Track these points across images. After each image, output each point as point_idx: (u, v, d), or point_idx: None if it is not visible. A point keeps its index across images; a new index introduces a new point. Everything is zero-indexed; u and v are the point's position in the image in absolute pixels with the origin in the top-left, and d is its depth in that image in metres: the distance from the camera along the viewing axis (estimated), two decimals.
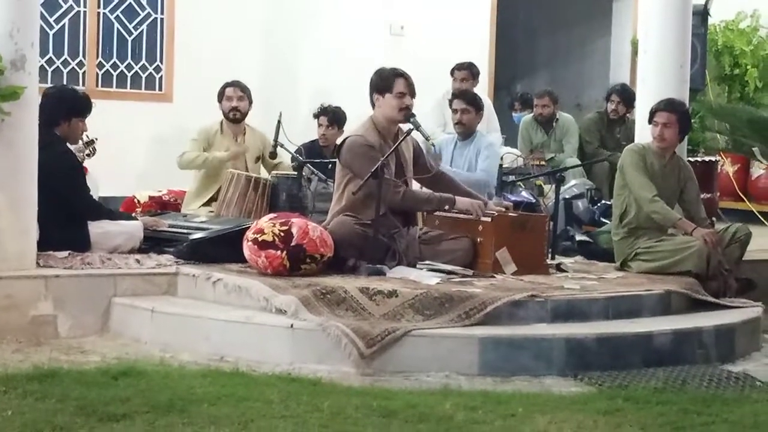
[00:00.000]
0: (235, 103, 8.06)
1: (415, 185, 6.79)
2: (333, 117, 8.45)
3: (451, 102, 8.16)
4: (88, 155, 7.30)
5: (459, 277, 5.97)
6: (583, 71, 13.24)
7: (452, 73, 9.43)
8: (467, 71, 9.40)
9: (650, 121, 6.80)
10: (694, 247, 6.41)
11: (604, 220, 8.03)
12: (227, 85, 8.14)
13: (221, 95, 8.12)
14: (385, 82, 6.38)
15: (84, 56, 9.54)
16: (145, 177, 9.01)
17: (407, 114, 6.36)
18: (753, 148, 8.67)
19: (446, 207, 6.40)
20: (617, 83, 10.50)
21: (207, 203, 7.84)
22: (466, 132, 7.92)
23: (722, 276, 6.41)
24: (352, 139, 6.34)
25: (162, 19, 9.83)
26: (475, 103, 7.93)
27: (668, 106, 6.76)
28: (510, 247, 6.22)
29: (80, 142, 7.08)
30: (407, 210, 6.48)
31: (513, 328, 5.37)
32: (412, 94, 6.40)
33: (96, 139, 7.24)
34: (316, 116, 8.55)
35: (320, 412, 4.20)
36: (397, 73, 6.41)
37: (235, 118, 8.07)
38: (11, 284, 5.69)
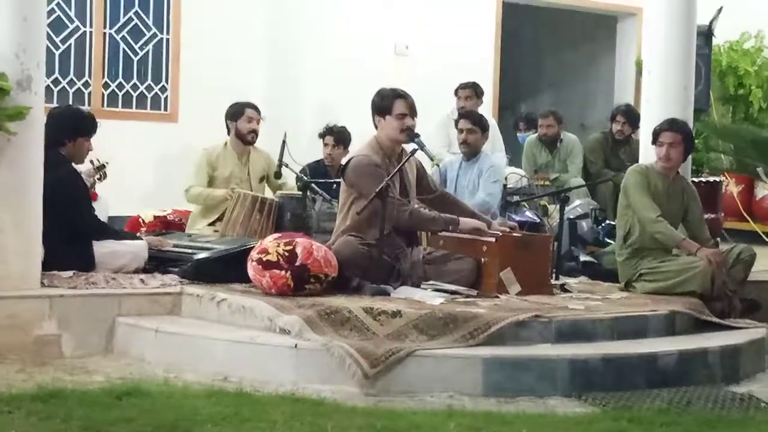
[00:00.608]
0: (255, 125, 8.04)
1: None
2: (339, 137, 8.47)
3: (456, 122, 8.18)
4: (99, 179, 7.22)
5: (463, 297, 5.96)
6: (587, 91, 13.26)
7: (456, 92, 9.46)
8: (471, 90, 9.42)
9: (654, 141, 6.81)
10: (699, 267, 6.40)
11: (608, 240, 8.04)
12: (248, 105, 8.06)
13: (239, 114, 8.01)
14: (385, 103, 6.38)
15: (90, 76, 9.57)
16: (150, 197, 9.03)
17: (409, 135, 6.36)
18: (757, 169, 8.67)
19: (450, 228, 6.40)
20: (622, 103, 10.51)
21: (212, 224, 7.83)
22: (471, 152, 7.95)
23: (727, 297, 6.40)
24: (357, 159, 6.34)
25: (168, 40, 9.86)
26: (481, 124, 7.97)
27: (673, 126, 6.77)
28: (514, 267, 6.22)
29: (91, 166, 7.05)
30: (413, 229, 6.48)
31: (517, 349, 5.36)
32: (413, 115, 6.40)
33: (107, 163, 7.14)
34: (322, 136, 8.57)
35: None
36: (397, 94, 6.41)
37: (253, 140, 8.05)
38: (15, 304, 5.69)
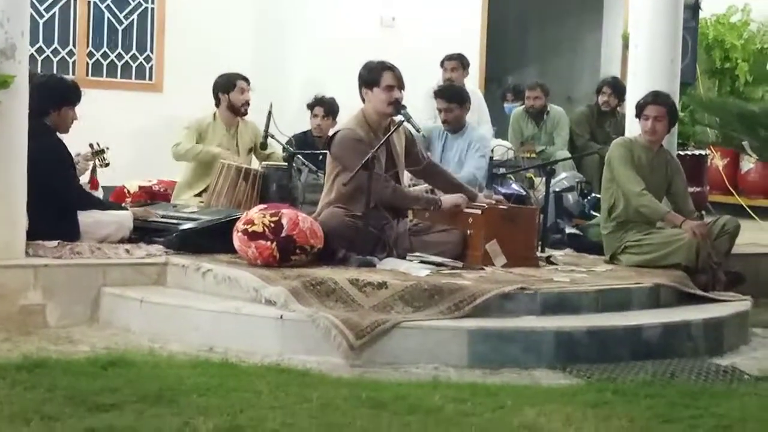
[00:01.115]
0: (248, 96, 7.97)
1: (407, 176, 6.79)
2: (329, 108, 8.44)
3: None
4: (99, 165, 7.03)
5: (449, 269, 5.97)
6: (574, 64, 13.25)
7: (442, 63, 9.43)
8: (457, 61, 9.40)
9: (638, 115, 6.81)
10: (684, 240, 6.43)
11: (594, 213, 8.05)
12: (238, 77, 7.94)
13: (231, 87, 7.89)
14: (373, 75, 6.35)
15: (74, 45, 9.52)
16: (135, 167, 8.97)
17: (397, 107, 6.33)
18: (743, 142, 8.71)
19: (432, 209, 6.40)
20: (608, 76, 10.51)
21: (197, 195, 7.79)
22: (454, 128, 7.89)
23: (711, 269, 6.43)
24: (343, 132, 6.32)
25: (153, 9, 9.82)
26: (457, 98, 7.86)
27: (658, 99, 6.77)
28: (500, 239, 6.23)
29: (90, 149, 6.95)
30: (394, 206, 6.46)
31: (502, 321, 5.37)
32: (401, 87, 6.37)
33: (107, 148, 6.96)
34: (311, 107, 8.53)
35: (309, 403, 4.20)
36: (385, 66, 6.38)
37: (246, 111, 7.99)
38: (0, 273, 5.67)
